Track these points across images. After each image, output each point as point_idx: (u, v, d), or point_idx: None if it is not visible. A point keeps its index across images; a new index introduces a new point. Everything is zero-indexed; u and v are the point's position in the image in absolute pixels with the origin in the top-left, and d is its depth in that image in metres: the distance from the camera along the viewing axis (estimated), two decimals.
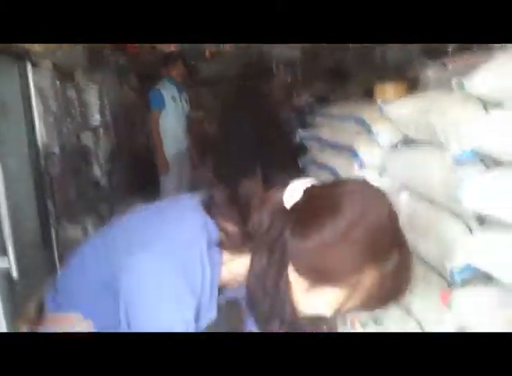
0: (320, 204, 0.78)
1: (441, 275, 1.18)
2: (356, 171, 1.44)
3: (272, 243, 0.79)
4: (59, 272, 1.07)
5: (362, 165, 1.42)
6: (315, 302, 0.81)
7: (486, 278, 1.07)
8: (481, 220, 1.11)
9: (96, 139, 3.25)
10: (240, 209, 0.85)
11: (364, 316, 1.52)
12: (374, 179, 1.42)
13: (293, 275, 0.79)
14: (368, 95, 1.78)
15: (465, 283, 1.11)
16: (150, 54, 4.97)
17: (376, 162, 1.42)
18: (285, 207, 0.80)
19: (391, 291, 0.82)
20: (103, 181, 3.39)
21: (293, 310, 0.83)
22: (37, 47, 1.73)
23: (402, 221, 0.82)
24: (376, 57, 2.74)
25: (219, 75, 5.25)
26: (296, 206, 0.79)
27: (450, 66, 1.42)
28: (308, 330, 0.92)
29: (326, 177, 1.71)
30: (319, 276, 0.78)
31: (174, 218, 0.86)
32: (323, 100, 3.18)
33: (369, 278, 0.77)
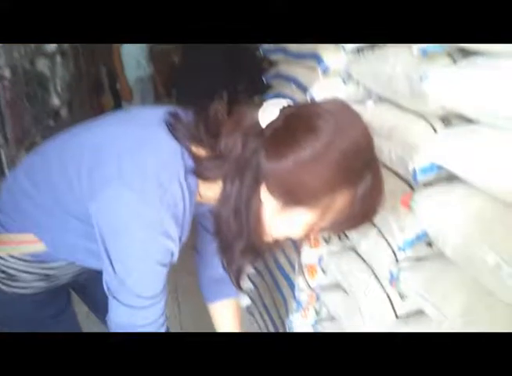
0: (296, 124, 0.76)
1: (403, 179, 1.14)
2: (321, 79, 1.36)
3: (245, 164, 0.78)
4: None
5: (326, 71, 1.34)
6: (286, 224, 0.81)
7: (449, 180, 1.04)
8: (446, 120, 1.07)
9: (53, 67, 3.07)
10: (211, 132, 0.83)
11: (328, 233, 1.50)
12: (339, 87, 1.36)
13: (265, 196, 0.79)
14: None
15: (428, 185, 1.08)
16: None
17: (341, 68, 1.35)
18: (259, 127, 0.79)
19: (362, 212, 0.82)
20: (63, 111, 3.25)
21: (262, 232, 0.83)
22: None
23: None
24: None
25: None
26: (271, 125, 0.78)
27: None
28: (265, 255, 0.92)
29: (291, 88, 1.63)
30: (292, 196, 0.77)
31: (148, 146, 0.82)
32: None
33: (341, 199, 0.77)
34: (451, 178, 1.04)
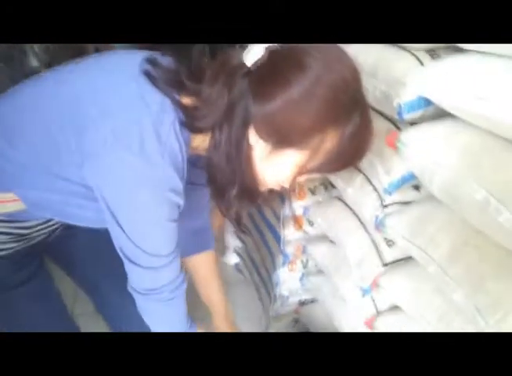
0: (283, 62, 0.75)
1: (388, 119, 1.08)
2: None
3: (232, 107, 0.76)
4: None
5: None
6: (276, 166, 0.80)
7: (436, 118, 0.98)
8: (433, 52, 1.01)
9: None
10: (195, 77, 0.80)
11: (314, 182, 1.46)
12: None
13: (254, 139, 0.78)
14: None
15: (414, 124, 1.02)
16: None
17: None
18: (245, 68, 0.77)
19: (351, 152, 0.81)
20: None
21: (254, 176, 0.83)
22: None
23: None
24: None
25: None
26: (257, 65, 0.76)
27: None
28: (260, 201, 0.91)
29: None
30: (281, 137, 0.76)
31: (136, 101, 0.77)
32: None
33: (330, 139, 0.76)
34: (437, 116, 0.98)
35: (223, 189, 0.85)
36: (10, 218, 0.95)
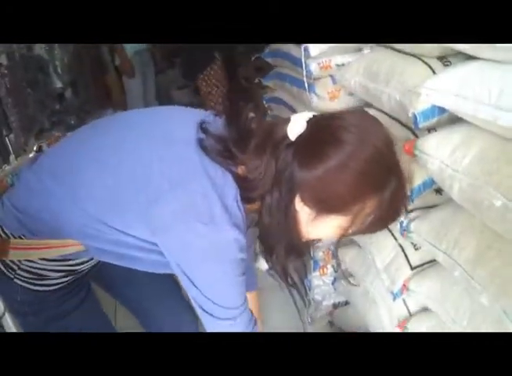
0: (324, 137, 0.80)
1: (405, 126, 1.09)
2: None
3: (280, 176, 0.82)
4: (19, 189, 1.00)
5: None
6: (321, 229, 0.86)
7: (452, 122, 0.99)
8: (444, 59, 1.02)
9: (50, 49, 3.03)
10: (242, 145, 0.86)
11: None
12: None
13: (300, 205, 0.83)
14: None
15: (431, 130, 1.03)
16: None
17: None
18: (289, 140, 0.82)
19: (390, 213, 0.86)
20: (68, 93, 3.23)
21: (299, 236, 0.89)
22: None
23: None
24: None
25: None
26: (301, 138, 0.82)
27: None
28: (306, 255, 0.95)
29: (289, 67, 1.56)
30: (323, 205, 0.82)
31: (199, 174, 0.84)
32: None
33: (370, 204, 0.81)
34: (453, 120, 0.99)
35: (272, 248, 0.91)
36: (64, 258, 1.00)
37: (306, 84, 1.35)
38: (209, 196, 0.82)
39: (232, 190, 0.85)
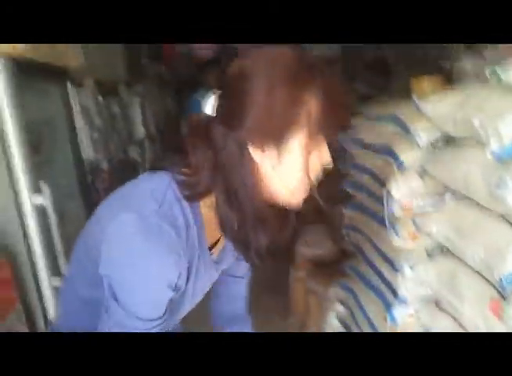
0: (233, 87, 0.82)
1: (489, 282, 1.11)
2: (396, 174, 1.39)
3: (223, 147, 0.81)
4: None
5: (401, 166, 1.37)
6: (289, 165, 0.82)
7: None
8: None
9: (142, 152, 3.32)
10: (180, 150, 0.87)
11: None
12: (415, 181, 1.37)
13: (257, 154, 0.81)
14: (406, 91, 1.73)
15: None
16: (187, 62, 5.02)
17: (416, 163, 1.37)
18: (212, 117, 0.83)
19: (337, 106, 0.83)
20: None
21: (272, 198, 0.85)
22: (75, 63, 1.75)
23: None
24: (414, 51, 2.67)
25: None
26: (219, 107, 0.83)
27: (488, 57, 1.36)
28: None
29: (367, 180, 1.66)
30: (275, 131, 0.80)
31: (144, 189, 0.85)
32: (364, 99, 3.08)
33: (313, 105, 0.80)
34: None
35: (247, 237, 0.85)
36: None
37: (387, 222, 1.42)
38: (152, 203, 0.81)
39: (182, 202, 0.83)
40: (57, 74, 1.70)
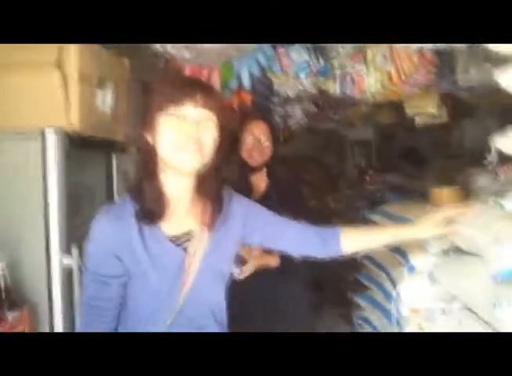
0: None
1: None
2: (406, 276, 1.45)
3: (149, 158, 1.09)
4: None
5: (411, 270, 1.44)
6: (177, 136, 1.01)
7: None
8: None
9: None
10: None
11: None
12: (424, 286, 1.42)
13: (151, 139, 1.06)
14: (425, 196, 1.80)
15: None
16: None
17: (426, 269, 1.43)
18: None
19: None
20: None
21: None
22: (121, 137, 1.89)
23: None
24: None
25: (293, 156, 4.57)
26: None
27: (502, 176, 1.45)
28: None
29: (379, 276, 1.71)
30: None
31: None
32: (396, 189, 3.06)
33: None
34: None
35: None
36: None
37: (394, 321, 1.47)
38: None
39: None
40: (104, 146, 1.81)
